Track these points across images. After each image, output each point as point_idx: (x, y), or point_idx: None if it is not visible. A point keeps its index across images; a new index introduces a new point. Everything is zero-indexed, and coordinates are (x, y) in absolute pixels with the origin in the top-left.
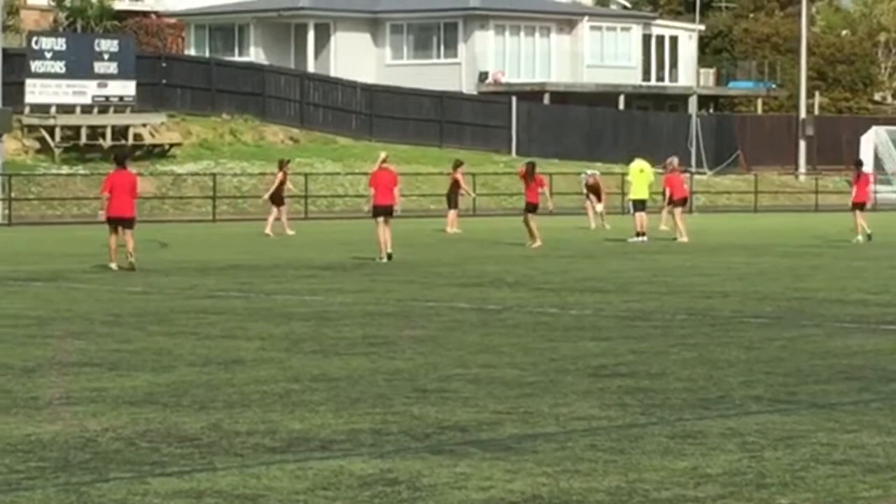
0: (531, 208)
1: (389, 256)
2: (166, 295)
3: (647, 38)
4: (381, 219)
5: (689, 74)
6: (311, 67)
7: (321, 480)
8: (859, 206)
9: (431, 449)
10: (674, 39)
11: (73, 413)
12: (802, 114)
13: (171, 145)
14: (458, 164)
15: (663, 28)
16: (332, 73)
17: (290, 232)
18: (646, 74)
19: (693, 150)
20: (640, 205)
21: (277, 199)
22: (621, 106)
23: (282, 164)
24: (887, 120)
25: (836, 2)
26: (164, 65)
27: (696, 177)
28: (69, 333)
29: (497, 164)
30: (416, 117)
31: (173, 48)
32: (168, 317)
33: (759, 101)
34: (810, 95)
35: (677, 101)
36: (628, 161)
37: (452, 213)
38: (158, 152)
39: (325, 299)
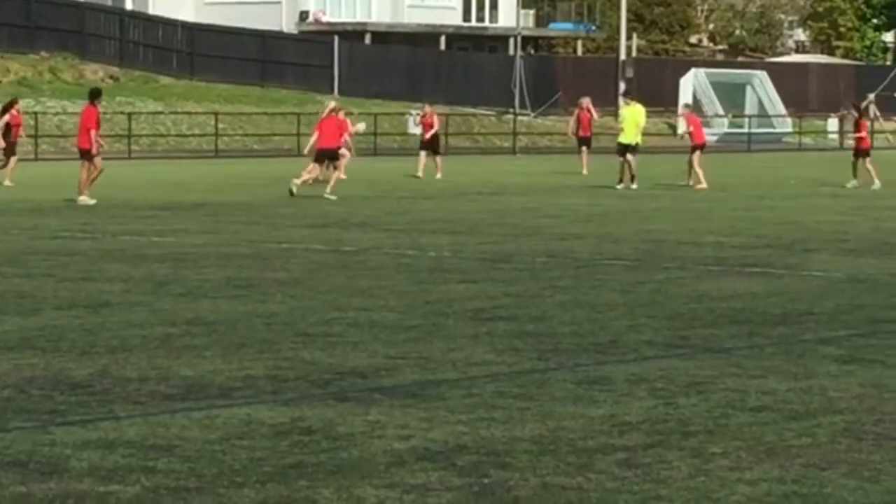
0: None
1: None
2: (10, 235)
3: None
4: (324, 161)
5: (510, 15)
6: (129, 5)
7: (233, 430)
8: (700, 147)
9: (336, 396)
10: None
11: None
12: (622, 55)
13: None
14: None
15: None
16: (151, 12)
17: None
18: (466, 15)
19: (517, 92)
20: (631, 149)
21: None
22: (442, 47)
23: None
24: (704, 62)
25: None
26: None
27: (520, 118)
28: None
29: (320, 104)
30: (238, 56)
31: None
32: (18, 258)
33: (579, 43)
34: (628, 37)
35: (498, 42)
36: (450, 102)
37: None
38: None
39: (176, 240)
